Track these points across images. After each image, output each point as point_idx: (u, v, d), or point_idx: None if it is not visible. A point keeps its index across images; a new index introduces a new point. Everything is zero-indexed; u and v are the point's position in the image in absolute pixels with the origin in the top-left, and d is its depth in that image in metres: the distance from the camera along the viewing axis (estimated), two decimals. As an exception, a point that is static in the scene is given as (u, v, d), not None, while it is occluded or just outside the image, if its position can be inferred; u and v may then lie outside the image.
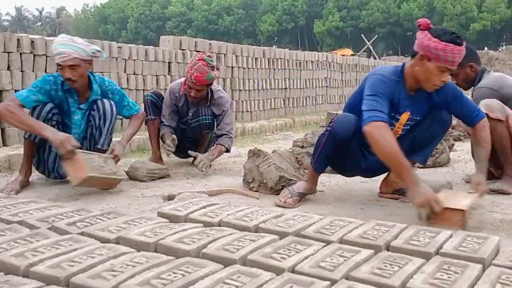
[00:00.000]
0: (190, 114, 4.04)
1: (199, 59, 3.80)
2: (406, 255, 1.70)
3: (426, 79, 2.60)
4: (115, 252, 1.68)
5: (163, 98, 4.13)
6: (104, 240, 1.86)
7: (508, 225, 2.42)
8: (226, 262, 1.62)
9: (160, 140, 4.08)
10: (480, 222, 2.43)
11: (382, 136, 2.40)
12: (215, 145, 4.05)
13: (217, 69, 3.95)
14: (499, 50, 38.62)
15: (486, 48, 41.67)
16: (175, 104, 4.06)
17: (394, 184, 3.00)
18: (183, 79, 4.14)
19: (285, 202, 2.81)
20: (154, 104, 4.06)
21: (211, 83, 3.94)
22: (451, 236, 1.94)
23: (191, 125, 4.08)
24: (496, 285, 1.48)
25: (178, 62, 6.63)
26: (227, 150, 4.05)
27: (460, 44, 2.50)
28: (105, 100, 3.34)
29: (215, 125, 4.10)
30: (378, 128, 2.42)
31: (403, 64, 2.72)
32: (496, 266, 1.64)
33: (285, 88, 9.23)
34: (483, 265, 1.65)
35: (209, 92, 4.02)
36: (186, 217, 2.19)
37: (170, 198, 2.88)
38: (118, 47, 5.95)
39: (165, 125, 4.04)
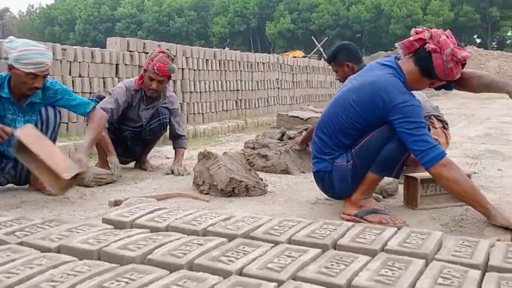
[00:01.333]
0: (147, 113, 3.99)
1: (159, 51, 3.87)
2: (353, 253, 1.72)
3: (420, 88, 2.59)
4: (56, 262, 1.61)
5: None
6: (44, 249, 1.78)
7: (452, 222, 2.50)
8: (172, 268, 1.58)
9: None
10: None
11: (460, 174, 2.31)
12: (176, 149, 4.16)
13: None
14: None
15: (431, 50, 43.14)
16: (128, 101, 3.97)
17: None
18: (133, 78, 4.17)
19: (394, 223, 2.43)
20: None
21: (170, 77, 3.99)
22: (396, 232, 1.98)
23: (151, 126, 4.02)
24: (438, 279, 1.52)
25: (126, 64, 6.50)
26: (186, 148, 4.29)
27: None
28: (50, 108, 3.21)
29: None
30: (452, 167, 2.31)
31: (399, 67, 2.49)
32: (438, 261, 1.69)
33: (237, 90, 9.23)
34: (426, 260, 1.69)
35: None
36: (132, 222, 2.13)
37: (117, 203, 2.80)
38: (63, 49, 5.76)
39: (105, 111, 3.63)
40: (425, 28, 2.49)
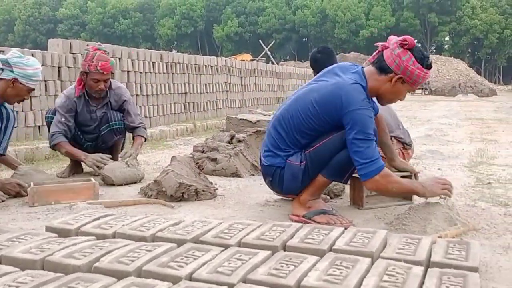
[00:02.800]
0: (97, 120, 3.91)
1: (94, 50, 3.78)
2: (302, 254, 1.75)
3: (392, 98, 2.59)
4: (-5, 274, 1.54)
5: None
6: (-17, 261, 1.70)
7: (396, 220, 2.58)
8: (120, 275, 1.55)
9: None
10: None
11: (391, 183, 2.39)
12: (134, 138, 4.03)
13: None
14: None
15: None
16: (72, 110, 3.87)
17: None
18: (72, 85, 4.02)
19: (341, 223, 2.47)
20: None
21: (112, 73, 3.90)
22: (343, 232, 2.03)
23: (102, 133, 3.93)
24: (383, 277, 1.57)
25: (68, 67, 6.29)
26: (145, 140, 4.13)
27: (431, 68, 2.53)
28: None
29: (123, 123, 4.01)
30: (384, 179, 2.37)
31: (363, 73, 2.55)
32: (384, 259, 1.74)
33: (185, 93, 9.14)
34: (372, 258, 1.74)
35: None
36: (77, 230, 2.07)
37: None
38: (0, 51, 5.51)
39: (57, 131, 3.78)
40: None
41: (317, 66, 3.67)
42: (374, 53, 2.59)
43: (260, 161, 2.74)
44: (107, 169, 3.55)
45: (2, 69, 3.04)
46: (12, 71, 3.05)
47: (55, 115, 3.86)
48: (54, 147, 3.83)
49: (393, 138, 3.53)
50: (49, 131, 3.88)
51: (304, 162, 2.52)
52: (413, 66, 2.44)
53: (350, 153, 2.40)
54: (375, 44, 2.66)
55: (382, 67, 2.50)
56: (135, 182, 3.61)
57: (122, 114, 4.00)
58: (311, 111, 2.49)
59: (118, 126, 3.94)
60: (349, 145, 2.39)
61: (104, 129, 3.93)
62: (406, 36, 2.50)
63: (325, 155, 2.48)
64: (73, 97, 3.87)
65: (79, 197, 3.01)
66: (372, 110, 2.48)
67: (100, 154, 3.73)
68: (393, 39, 2.53)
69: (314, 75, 3.60)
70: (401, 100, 2.64)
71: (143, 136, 4.03)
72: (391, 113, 3.68)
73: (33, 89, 3.22)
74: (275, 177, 2.61)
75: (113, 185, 3.50)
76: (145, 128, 4.10)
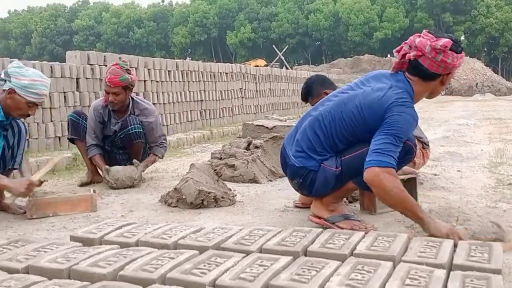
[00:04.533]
0: (118, 126, 4.03)
1: (113, 64, 3.94)
2: (323, 259, 1.76)
3: (440, 91, 2.54)
4: (24, 283, 1.58)
5: (86, 116, 4.13)
6: (12, 271, 1.74)
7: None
8: (144, 283, 1.58)
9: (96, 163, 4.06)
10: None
11: (390, 184, 2.23)
12: (148, 154, 4.18)
13: (131, 74, 3.96)
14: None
15: (388, 55, 44.37)
16: (99, 122, 4.07)
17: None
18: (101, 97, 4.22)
19: (365, 228, 2.44)
20: (75, 123, 4.07)
21: (127, 86, 3.93)
22: (363, 236, 2.03)
23: (121, 136, 4.01)
24: (405, 280, 1.57)
25: (86, 78, 6.39)
26: (161, 157, 4.27)
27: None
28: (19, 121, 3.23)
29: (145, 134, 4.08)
30: (385, 176, 2.23)
31: (407, 80, 2.46)
32: (405, 262, 1.74)
33: (201, 100, 9.21)
34: (393, 262, 1.74)
35: (131, 102, 4.07)
36: (101, 239, 2.11)
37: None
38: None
39: (92, 144, 4.05)
40: (403, 43, 2.51)
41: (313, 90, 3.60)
42: (398, 62, 2.47)
43: (285, 160, 2.60)
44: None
45: (5, 80, 3.01)
46: (10, 81, 2.98)
47: (79, 117, 4.08)
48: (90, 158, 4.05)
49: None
50: (68, 130, 4.12)
51: (340, 168, 2.45)
52: (456, 61, 2.36)
53: (371, 146, 2.31)
54: (394, 51, 2.55)
55: (427, 75, 2.40)
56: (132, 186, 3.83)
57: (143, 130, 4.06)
58: (355, 116, 2.42)
59: (136, 130, 3.97)
60: (375, 139, 2.31)
61: (122, 134, 3.98)
62: (444, 40, 2.33)
63: (361, 164, 2.36)
64: (100, 108, 4.06)
65: (77, 208, 3.05)
66: (415, 119, 2.39)
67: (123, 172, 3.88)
68: (422, 43, 2.37)
69: (312, 104, 3.56)
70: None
71: (157, 155, 4.18)
72: None
73: (36, 104, 3.05)
74: (306, 180, 2.50)
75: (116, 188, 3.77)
76: (164, 148, 4.25)
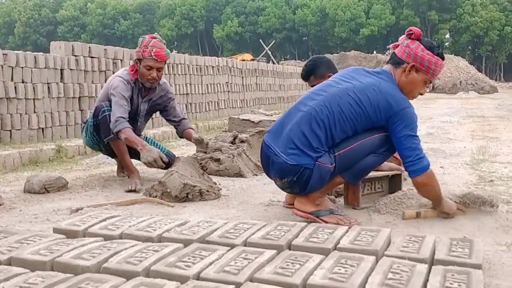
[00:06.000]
0: (143, 109, 3.76)
1: (150, 37, 3.59)
2: (307, 253, 1.77)
3: (410, 90, 2.57)
4: (7, 274, 1.57)
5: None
6: (-7, 263, 1.72)
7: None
8: (128, 275, 1.57)
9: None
10: None
11: (436, 181, 2.52)
12: (186, 130, 3.88)
13: None
14: (386, 53, 41.60)
15: (375, 52, 44.64)
16: (130, 94, 3.61)
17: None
18: (122, 70, 3.74)
19: (349, 222, 2.47)
20: (108, 120, 3.51)
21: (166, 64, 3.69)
22: (347, 231, 2.05)
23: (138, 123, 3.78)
24: (388, 275, 1.59)
25: (71, 69, 6.31)
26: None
27: (444, 59, 2.57)
28: None
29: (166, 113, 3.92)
30: (431, 177, 2.49)
31: (389, 74, 2.59)
32: (388, 257, 1.76)
33: (187, 94, 9.17)
34: (376, 257, 1.76)
35: None
36: (85, 231, 2.09)
37: (78, 211, 2.74)
38: (4, 54, 5.54)
39: (121, 117, 3.44)
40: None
41: (319, 71, 3.61)
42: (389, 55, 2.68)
43: (272, 159, 2.49)
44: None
45: None
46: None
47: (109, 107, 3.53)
48: (117, 133, 3.44)
49: None
50: (100, 129, 3.60)
51: (334, 164, 2.44)
52: (422, 52, 2.48)
53: (401, 150, 2.46)
54: (387, 46, 2.78)
55: (396, 61, 2.57)
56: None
57: (166, 111, 3.90)
58: (356, 111, 2.43)
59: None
60: (400, 142, 2.44)
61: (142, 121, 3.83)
62: (412, 27, 2.57)
63: (354, 159, 2.44)
64: (131, 81, 3.61)
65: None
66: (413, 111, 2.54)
67: (158, 152, 3.39)
68: (401, 38, 2.62)
69: (310, 84, 3.58)
70: (421, 94, 2.64)
71: (192, 128, 3.96)
72: None
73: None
74: (300, 178, 2.41)
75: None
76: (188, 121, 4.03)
